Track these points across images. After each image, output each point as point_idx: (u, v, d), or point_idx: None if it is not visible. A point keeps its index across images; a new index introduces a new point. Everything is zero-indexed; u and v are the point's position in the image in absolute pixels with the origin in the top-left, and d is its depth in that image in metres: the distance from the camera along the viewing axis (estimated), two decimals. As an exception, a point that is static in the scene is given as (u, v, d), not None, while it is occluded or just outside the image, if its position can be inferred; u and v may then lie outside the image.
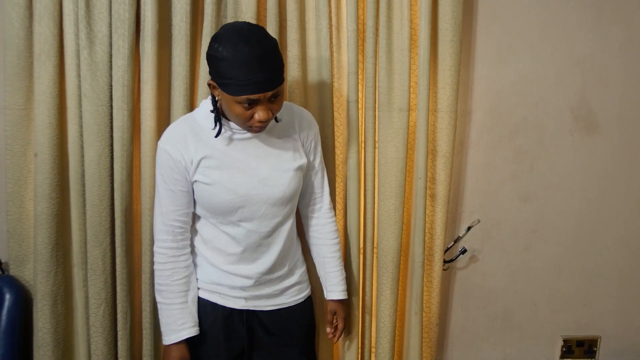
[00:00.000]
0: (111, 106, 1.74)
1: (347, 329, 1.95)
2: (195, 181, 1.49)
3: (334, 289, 1.71)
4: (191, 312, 1.54)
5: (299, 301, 1.68)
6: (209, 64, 1.38)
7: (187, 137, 1.48)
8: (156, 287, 1.54)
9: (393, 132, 1.85)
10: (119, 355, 1.85)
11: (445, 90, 1.86)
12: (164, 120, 1.80)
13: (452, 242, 2.10)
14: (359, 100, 1.85)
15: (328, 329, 1.75)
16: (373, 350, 2.01)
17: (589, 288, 2.25)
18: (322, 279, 1.75)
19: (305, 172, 1.63)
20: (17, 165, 1.77)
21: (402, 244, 1.94)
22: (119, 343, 1.84)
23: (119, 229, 1.77)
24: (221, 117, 1.47)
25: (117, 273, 1.80)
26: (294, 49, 1.77)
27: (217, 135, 1.46)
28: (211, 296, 1.58)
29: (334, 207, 1.88)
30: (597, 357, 2.30)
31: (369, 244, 1.93)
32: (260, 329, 1.62)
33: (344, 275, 1.74)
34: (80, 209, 1.78)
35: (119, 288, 1.81)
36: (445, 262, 2.04)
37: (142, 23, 1.71)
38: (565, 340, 2.27)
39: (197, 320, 1.55)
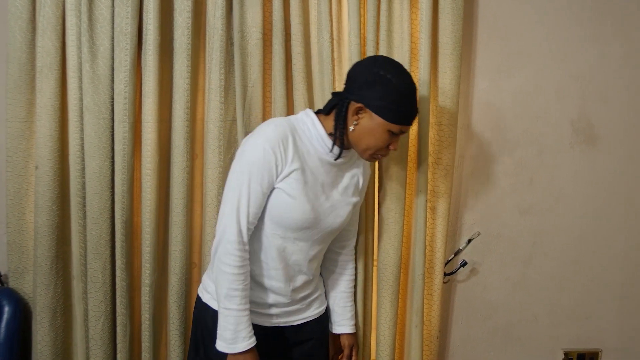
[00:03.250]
0: (112, 119, 1.74)
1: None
2: (278, 188, 1.47)
3: (347, 323, 1.76)
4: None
5: (322, 313, 1.71)
6: (368, 87, 1.41)
7: (289, 144, 1.45)
8: (227, 292, 1.43)
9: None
10: (118, 369, 1.84)
11: (446, 104, 1.87)
12: (165, 133, 1.81)
13: (453, 255, 2.10)
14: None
15: None
16: (373, 363, 2.01)
17: (590, 301, 2.24)
18: (332, 312, 1.76)
19: None
20: (18, 177, 1.78)
21: (402, 257, 1.94)
22: (118, 356, 1.83)
23: (119, 242, 1.77)
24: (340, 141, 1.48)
25: (117, 286, 1.80)
26: (298, 62, 1.78)
27: (336, 159, 1.50)
28: None
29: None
30: (598, 370, 2.29)
31: (369, 257, 1.92)
32: (287, 343, 1.63)
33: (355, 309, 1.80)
34: (80, 222, 1.78)
35: (118, 301, 1.81)
36: (445, 274, 2.04)
37: (143, 37, 1.73)
38: (566, 354, 2.26)
39: None
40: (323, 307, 1.72)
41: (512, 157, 2.09)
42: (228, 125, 1.81)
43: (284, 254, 1.53)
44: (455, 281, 2.16)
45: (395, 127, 1.42)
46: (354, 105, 1.44)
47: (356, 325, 1.83)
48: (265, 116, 1.85)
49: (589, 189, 2.15)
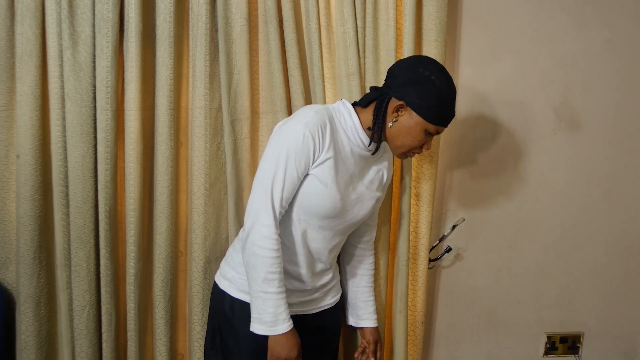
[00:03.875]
0: (95, 107, 1.72)
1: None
2: (311, 175, 1.47)
3: (370, 317, 1.77)
4: None
5: (337, 301, 1.72)
6: (410, 86, 1.42)
7: (327, 131, 1.45)
8: (265, 276, 1.42)
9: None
10: (103, 358, 1.83)
11: (430, 91, 1.87)
12: (148, 121, 1.79)
13: (437, 241, 2.12)
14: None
15: (372, 359, 1.78)
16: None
17: (573, 285, 2.27)
18: (351, 306, 1.79)
19: None
20: (-1, 167, 1.76)
21: (390, 243, 1.95)
22: (104, 345, 1.83)
23: (103, 231, 1.76)
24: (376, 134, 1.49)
25: (102, 275, 1.79)
26: (292, 48, 1.77)
27: (374, 153, 1.52)
28: None
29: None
30: (580, 353, 2.33)
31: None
32: (304, 332, 1.62)
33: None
34: (63, 211, 1.77)
35: (103, 290, 1.80)
36: (430, 260, 2.05)
37: (125, 23, 1.70)
38: (549, 337, 2.29)
39: None
40: (338, 296, 1.73)
41: (496, 144, 2.10)
42: (214, 113, 1.80)
43: (307, 241, 1.54)
44: (440, 267, 2.18)
45: (432, 128, 1.44)
46: (394, 102, 1.45)
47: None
48: (254, 104, 1.83)
49: (572, 175, 2.17)
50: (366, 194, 1.57)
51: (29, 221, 1.74)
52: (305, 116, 1.45)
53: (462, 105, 2.05)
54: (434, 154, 1.91)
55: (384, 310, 1.97)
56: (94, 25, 1.68)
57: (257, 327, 1.44)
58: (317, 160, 1.45)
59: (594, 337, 2.33)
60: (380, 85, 1.54)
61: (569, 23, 2.06)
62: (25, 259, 1.75)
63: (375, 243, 1.90)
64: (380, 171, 1.62)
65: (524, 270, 2.23)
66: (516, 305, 2.26)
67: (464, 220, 2.10)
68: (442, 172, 2.08)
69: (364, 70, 1.83)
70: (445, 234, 2.12)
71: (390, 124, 1.47)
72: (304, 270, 1.56)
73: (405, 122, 1.45)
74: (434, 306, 2.21)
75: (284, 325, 1.44)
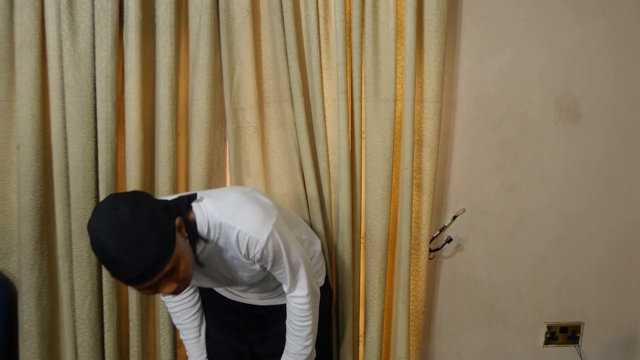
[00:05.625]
0: (95, 98, 1.72)
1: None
2: None
3: None
4: (205, 343, 1.67)
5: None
6: None
7: None
8: (174, 324, 1.67)
9: (380, 122, 1.85)
10: (105, 347, 1.85)
11: (431, 81, 1.87)
12: (148, 112, 1.79)
13: (438, 232, 2.12)
14: (347, 90, 1.84)
15: None
16: (361, 339, 2.02)
17: (573, 276, 2.28)
18: None
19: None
20: (0, 158, 1.76)
21: (389, 234, 1.95)
22: (106, 335, 1.84)
23: (105, 221, 1.76)
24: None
25: (103, 265, 1.79)
26: (290, 39, 1.77)
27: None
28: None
29: (323, 200, 1.88)
30: (580, 342, 2.34)
31: (356, 234, 1.93)
32: (258, 320, 1.64)
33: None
34: (64, 201, 1.77)
35: (104, 280, 1.81)
36: (431, 251, 2.05)
37: (125, 13, 1.70)
38: (549, 327, 2.30)
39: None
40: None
41: (496, 135, 2.10)
42: (218, 103, 1.81)
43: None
44: (441, 257, 2.18)
45: None
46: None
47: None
48: (259, 94, 1.83)
49: (572, 166, 2.17)
50: (237, 272, 1.43)
51: (30, 212, 1.74)
52: None
53: (463, 96, 2.04)
54: (434, 145, 1.91)
55: (383, 301, 1.96)
56: (93, 16, 1.68)
57: None
58: None
59: (593, 327, 2.33)
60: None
61: (570, 14, 2.05)
62: (27, 249, 1.76)
63: (376, 235, 1.90)
64: (234, 259, 1.39)
65: (524, 260, 2.23)
66: (516, 296, 2.26)
67: (464, 210, 2.10)
68: (443, 163, 2.08)
69: (364, 60, 1.82)
70: (446, 224, 2.12)
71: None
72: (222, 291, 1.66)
73: None
74: (434, 296, 2.21)
75: None
